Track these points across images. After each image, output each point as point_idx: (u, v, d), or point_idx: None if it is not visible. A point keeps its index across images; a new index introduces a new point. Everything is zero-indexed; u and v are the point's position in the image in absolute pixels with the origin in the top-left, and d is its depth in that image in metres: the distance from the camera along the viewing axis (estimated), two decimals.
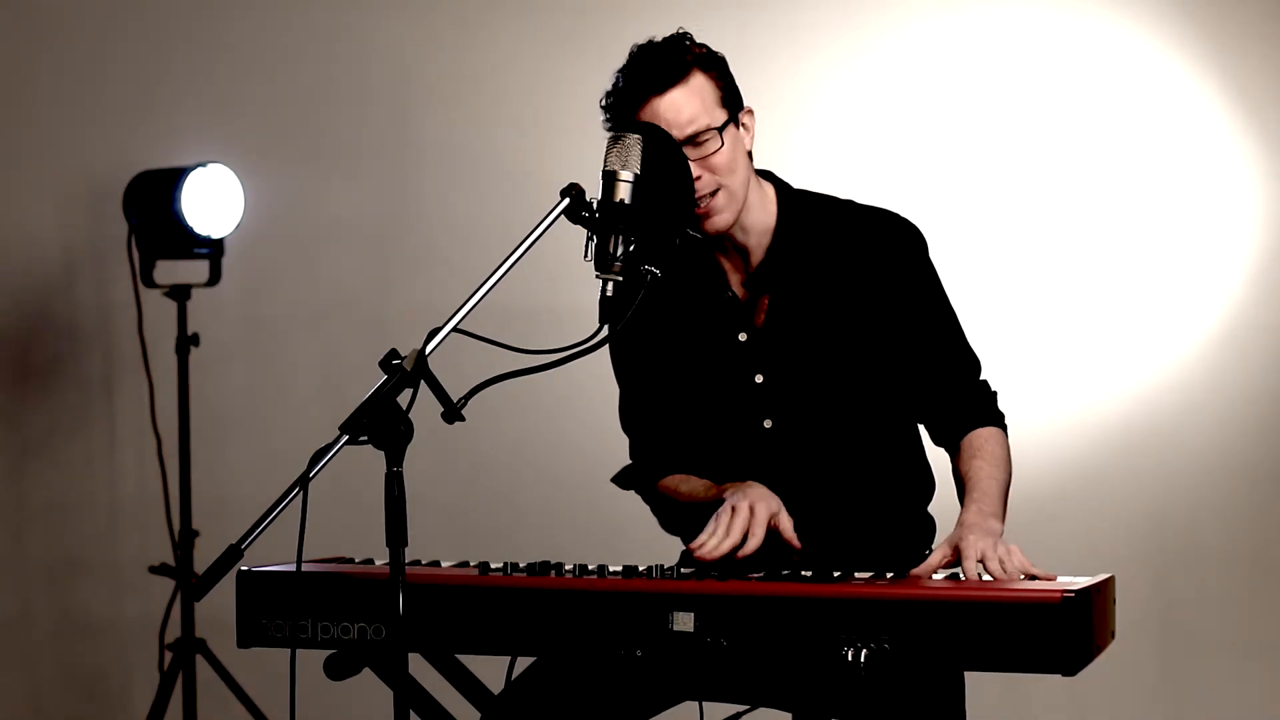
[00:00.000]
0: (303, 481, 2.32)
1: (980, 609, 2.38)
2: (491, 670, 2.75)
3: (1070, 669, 2.35)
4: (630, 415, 3.07)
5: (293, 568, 2.48)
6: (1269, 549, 4.67)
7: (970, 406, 2.91)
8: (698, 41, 2.87)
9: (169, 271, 4.66)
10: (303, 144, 4.96)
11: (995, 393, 2.95)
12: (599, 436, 4.61)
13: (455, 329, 2.44)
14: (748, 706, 2.75)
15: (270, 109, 4.97)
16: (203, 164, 4.57)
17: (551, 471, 4.88)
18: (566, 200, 2.52)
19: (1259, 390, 4.66)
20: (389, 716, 2.33)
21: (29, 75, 5.00)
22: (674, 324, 2.96)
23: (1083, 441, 4.68)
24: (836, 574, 2.60)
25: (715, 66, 2.85)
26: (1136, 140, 4.69)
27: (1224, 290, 4.67)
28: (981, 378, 2.96)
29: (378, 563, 2.76)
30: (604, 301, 2.53)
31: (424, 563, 2.75)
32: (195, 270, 4.67)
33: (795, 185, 2.97)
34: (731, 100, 2.85)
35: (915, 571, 2.66)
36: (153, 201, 4.57)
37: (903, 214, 2.95)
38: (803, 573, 2.63)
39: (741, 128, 2.86)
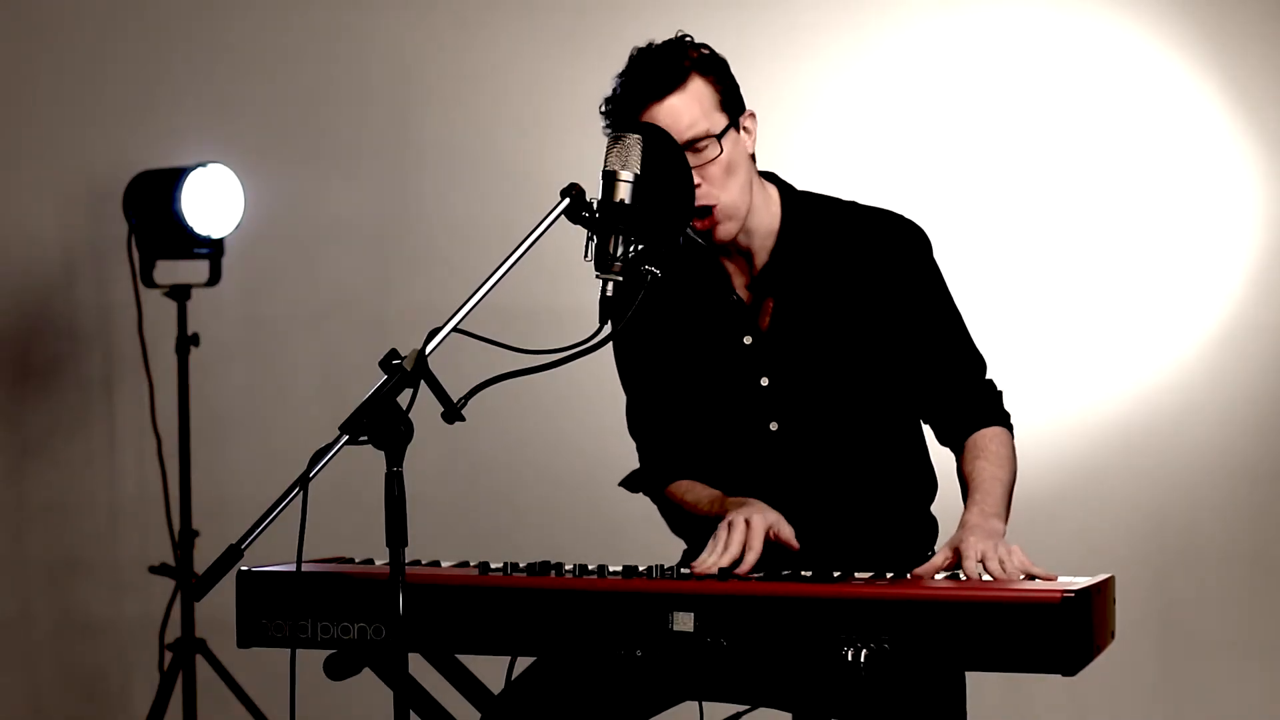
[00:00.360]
0: (303, 481, 2.32)
1: (980, 609, 2.38)
2: (491, 670, 2.75)
3: (1070, 669, 2.35)
4: (637, 421, 3.07)
5: (293, 568, 2.48)
6: (1269, 549, 4.67)
7: (975, 406, 2.91)
8: (699, 43, 2.87)
9: (169, 271, 4.66)
10: (303, 144, 4.96)
11: (1000, 392, 2.95)
12: (599, 436, 4.62)
13: (455, 329, 2.44)
14: (748, 706, 2.75)
15: (270, 109, 4.97)
16: (203, 164, 4.57)
17: (551, 471, 4.88)
18: (566, 200, 2.52)
19: (1259, 390, 4.66)
20: (389, 716, 2.33)
21: (29, 75, 5.00)
22: (679, 328, 2.96)
23: (1083, 441, 4.68)
24: (836, 574, 2.60)
25: (715, 70, 2.84)
26: (1136, 140, 4.69)
27: (1224, 290, 4.67)
28: (987, 377, 2.96)
29: (378, 563, 2.76)
30: (604, 301, 2.53)
31: (424, 563, 2.75)
32: (195, 270, 4.67)
33: (798, 187, 2.97)
34: (732, 104, 2.84)
35: (916, 572, 2.65)
36: (153, 201, 4.57)
37: (906, 215, 2.95)
38: (803, 573, 2.63)
39: (743, 131, 2.86)
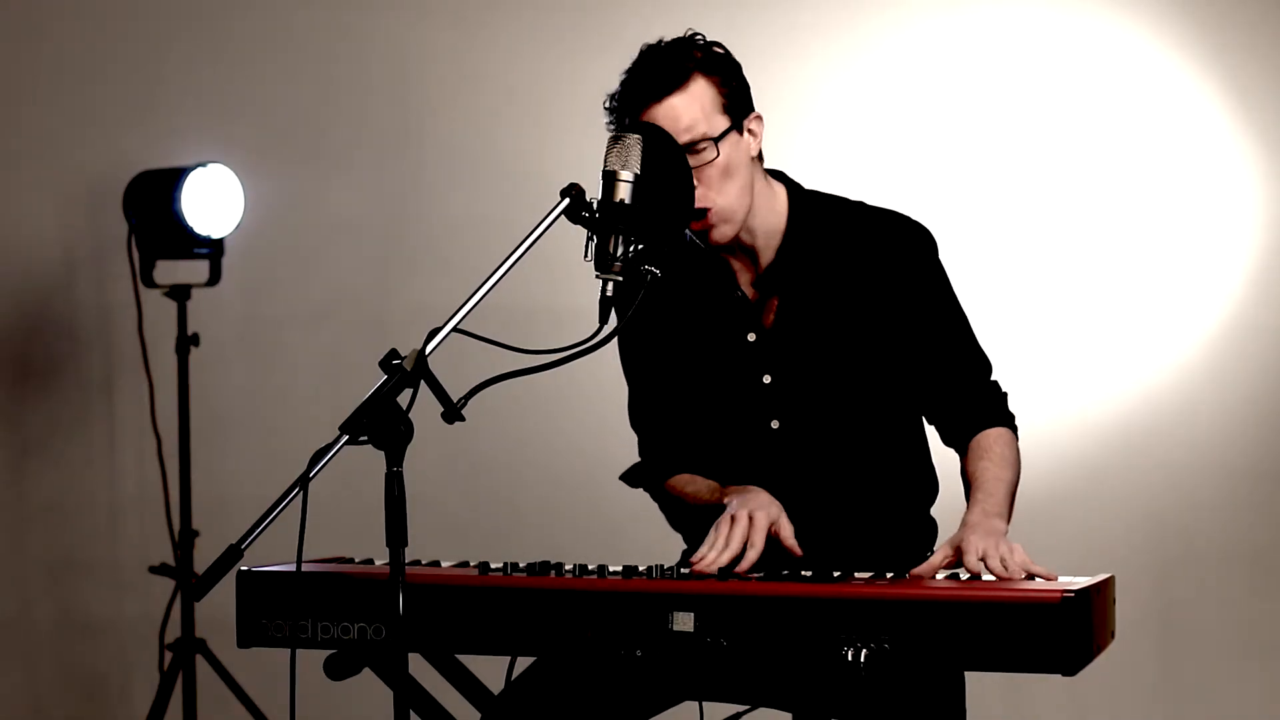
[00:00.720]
0: (303, 481, 2.32)
1: (980, 609, 2.38)
2: (491, 670, 2.75)
3: (1070, 669, 2.35)
4: (639, 414, 3.07)
5: (293, 568, 2.48)
6: (1269, 549, 4.67)
7: (980, 407, 2.91)
8: (711, 41, 2.85)
9: (169, 271, 4.65)
10: (303, 144, 4.96)
11: (1006, 394, 2.95)
12: (599, 436, 4.62)
13: (455, 329, 2.44)
14: (748, 706, 2.75)
15: (270, 109, 4.97)
16: (203, 164, 4.57)
17: (551, 471, 4.88)
18: (566, 200, 2.52)
19: (1259, 390, 4.67)
20: (389, 716, 2.33)
21: (29, 75, 5.00)
22: (683, 323, 2.96)
23: (1083, 441, 4.68)
24: (836, 574, 2.60)
25: (721, 71, 2.82)
26: (1137, 140, 4.69)
27: (1224, 290, 4.67)
28: (992, 379, 2.96)
29: (378, 563, 2.76)
30: (604, 301, 2.53)
31: (424, 563, 2.75)
32: (195, 270, 4.67)
33: (806, 186, 2.97)
34: (736, 106, 2.83)
35: (916, 571, 2.65)
36: (153, 201, 4.57)
37: (912, 216, 2.95)
38: (803, 573, 2.63)
39: (747, 134, 2.85)
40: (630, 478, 3.08)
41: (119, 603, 4.98)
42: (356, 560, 2.81)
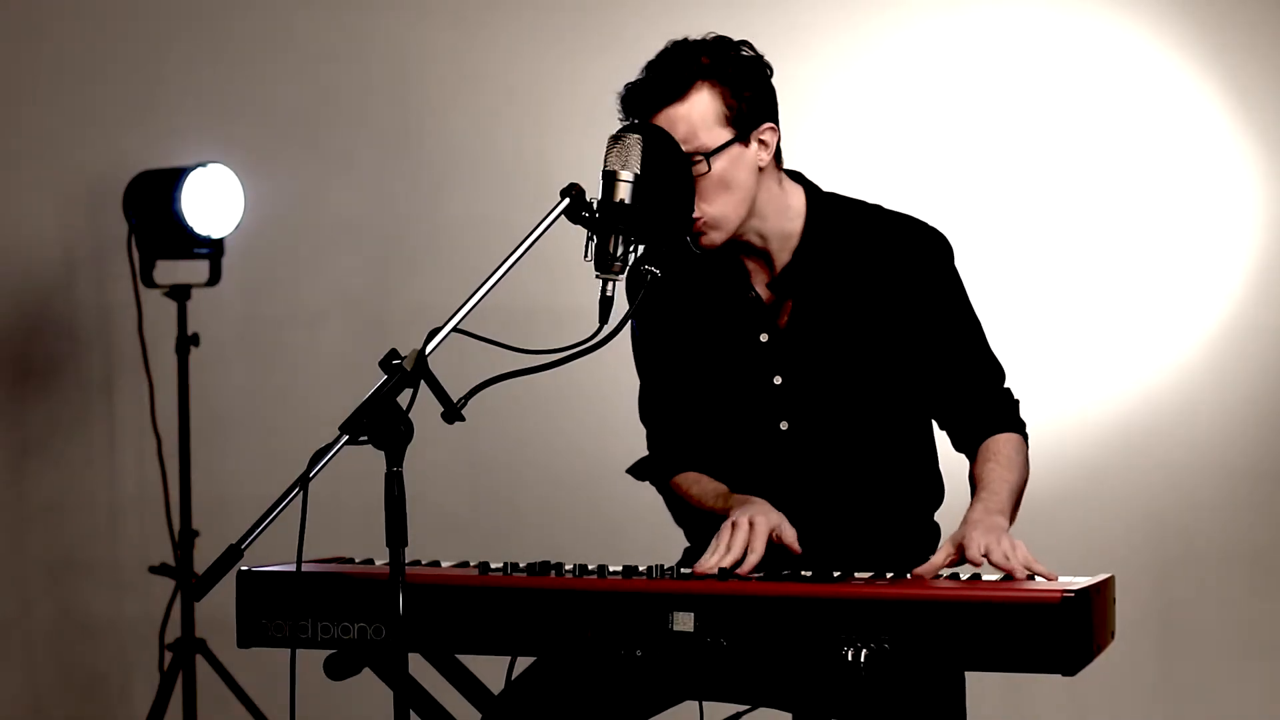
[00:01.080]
0: (303, 481, 2.32)
1: (980, 609, 2.38)
2: (491, 670, 2.75)
3: (1070, 669, 2.35)
4: (648, 408, 3.07)
5: (293, 568, 2.48)
6: (1269, 549, 4.67)
7: (991, 414, 2.91)
8: (737, 42, 2.83)
9: (169, 271, 4.65)
10: (303, 144, 4.96)
11: (1017, 401, 2.96)
12: (599, 436, 4.63)
13: (455, 329, 2.44)
14: (748, 706, 2.75)
15: (270, 109, 4.97)
16: (203, 164, 4.57)
17: (551, 471, 4.88)
18: (566, 200, 2.52)
19: (1259, 390, 4.67)
20: (389, 716, 2.33)
21: (29, 75, 5.00)
22: (697, 321, 2.96)
23: (1083, 441, 4.68)
24: (836, 574, 2.60)
25: (731, 80, 2.78)
26: (1137, 140, 4.69)
27: (1224, 290, 4.67)
28: (1005, 386, 2.96)
29: (378, 563, 2.76)
30: (604, 301, 2.53)
31: (424, 563, 2.75)
32: (195, 270, 4.67)
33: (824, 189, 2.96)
34: (745, 116, 2.79)
35: (918, 571, 2.65)
36: (153, 201, 4.57)
37: (929, 221, 2.95)
38: (803, 573, 2.63)
39: (756, 144, 2.82)
40: (637, 471, 3.09)
41: (119, 603, 4.98)
42: (356, 560, 2.81)
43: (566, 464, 4.84)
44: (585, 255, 2.56)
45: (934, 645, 2.37)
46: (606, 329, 2.49)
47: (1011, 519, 2.77)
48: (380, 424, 2.31)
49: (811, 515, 2.84)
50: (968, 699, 2.77)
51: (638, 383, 3.09)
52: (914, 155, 4.73)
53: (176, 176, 4.54)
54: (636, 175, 2.55)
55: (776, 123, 2.85)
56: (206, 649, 4.51)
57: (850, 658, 2.37)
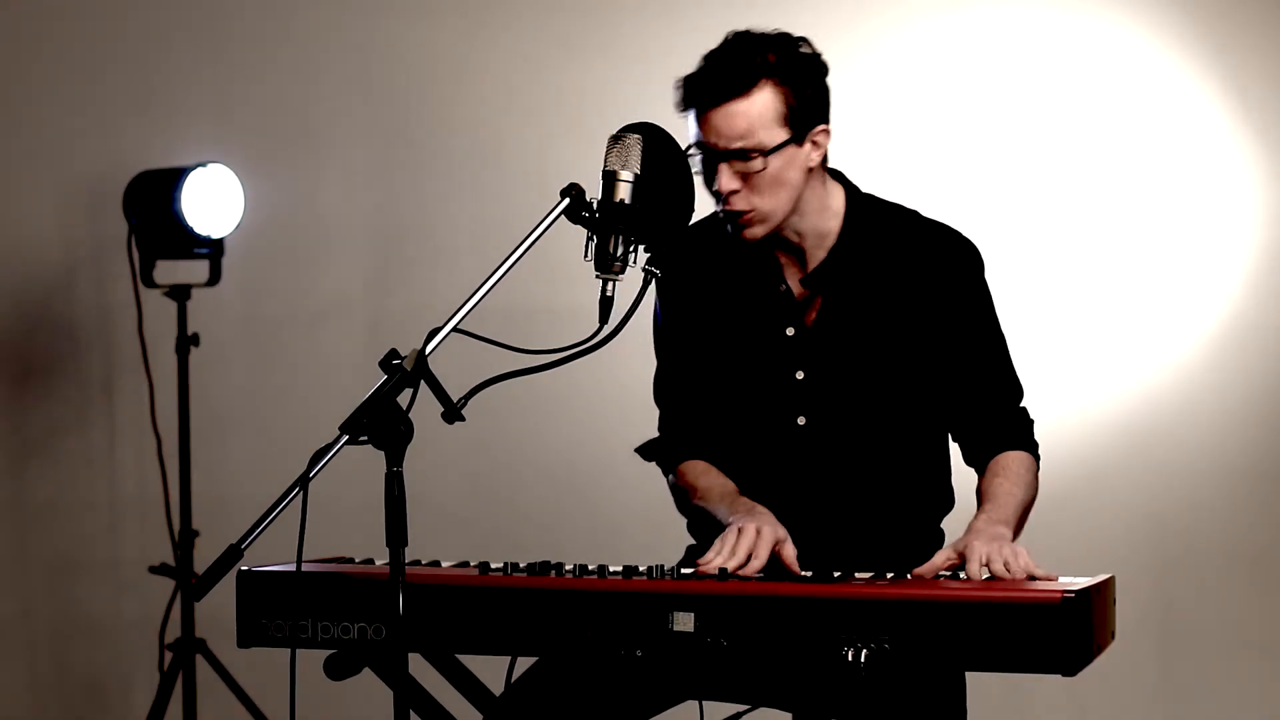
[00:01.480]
0: (303, 481, 2.32)
1: (980, 609, 2.38)
2: (491, 670, 2.75)
3: (1070, 669, 2.36)
4: (664, 390, 3.07)
5: (293, 568, 2.48)
6: (1269, 549, 4.67)
7: (1005, 431, 2.93)
8: (797, 38, 2.85)
9: (169, 271, 4.65)
10: (303, 144, 4.96)
11: (1033, 421, 2.97)
12: (599, 437, 4.62)
13: (455, 329, 2.44)
14: (748, 706, 2.75)
15: (270, 109, 4.97)
16: (203, 164, 4.57)
17: (551, 471, 4.87)
18: (566, 200, 2.53)
19: (1259, 390, 4.66)
20: (389, 716, 2.33)
21: (29, 75, 5.00)
22: (724, 309, 2.97)
23: (1083, 441, 4.68)
24: (836, 574, 2.60)
25: (794, 80, 2.80)
26: (1136, 140, 4.69)
27: (1224, 290, 4.67)
28: (1021, 405, 2.97)
29: (378, 563, 2.76)
30: (604, 301, 2.53)
31: (424, 563, 2.75)
32: (195, 270, 4.67)
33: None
34: (803, 117, 2.80)
35: (917, 571, 2.65)
36: (153, 201, 4.57)
37: (964, 232, 2.97)
38: (803, 573, 2.64)
39: (809, 145, 2.83)
40: (646, 452, 3.09)
41: (119, 603, 4.98)
42: (356, 560, 2.81)
43: (566, 464, 4.84)
44: (585, 255, 2.56)
45: (934, 645, 2.37)
46: (606, 329, 2.50)
47: (1015, 534, 2.77)
48: (380, 424, 2.31)
49: (820, 511, 2.85)
50: (968, 699, 2.77)
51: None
52: (912, 155, 4.73)
53: (176, 176, 4.54)
54: (636, 175, 2.55)
55: (829, 123, 2.86)
56: (206, 649, 4.51)
57: (850, 658, 2.37)
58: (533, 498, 4.89)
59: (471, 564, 2.71)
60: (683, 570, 2.61)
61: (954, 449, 3.01)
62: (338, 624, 2.58)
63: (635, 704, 2.74)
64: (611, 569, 2.59)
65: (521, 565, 2.62)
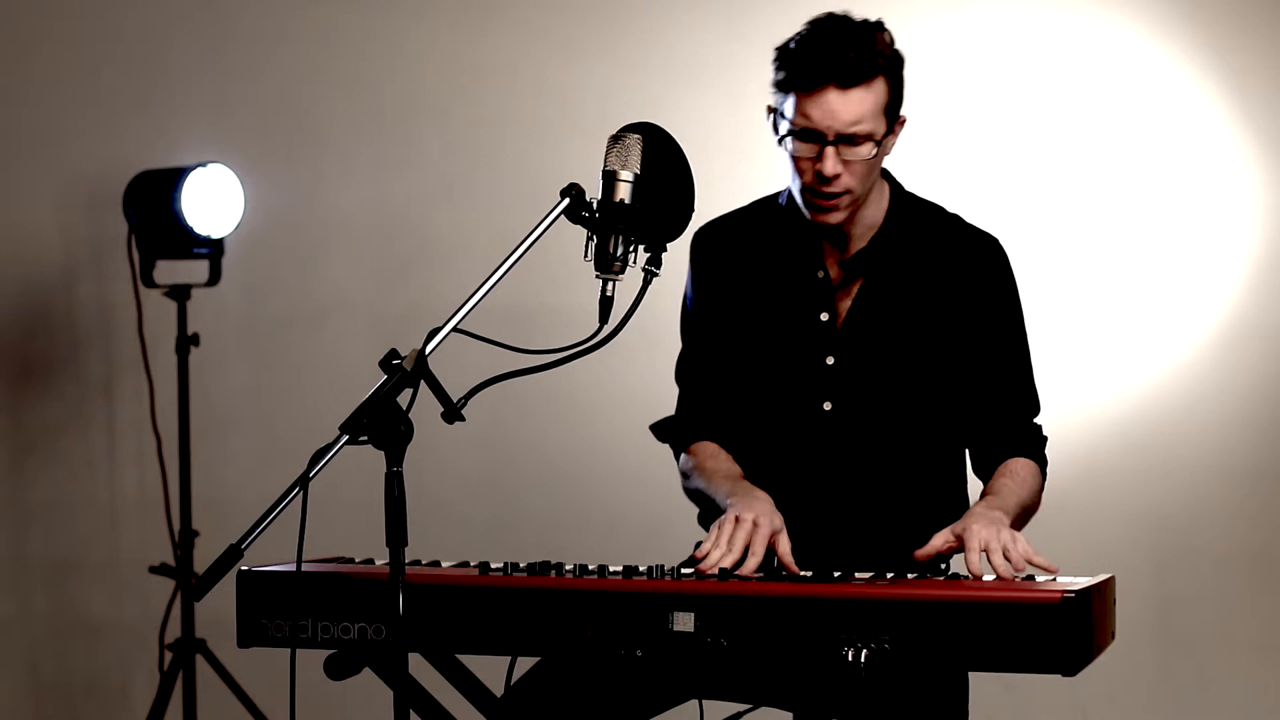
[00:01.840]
0: (303, 481, 2.32)
1: (980, 609, 2.38)
2: (492, 670, 2.75)
3: (1070, 669, 2.36)
4: (687, 370, 3.09)
5: (293, 568, 2.48)
6: (1269, 549, 4.67)
7: (1015, 442, 2.95)
8: (890, 36, 2.89)
9: (169, 271, 4.65)
10: (303, 144, 4.96)
11: (1045, 438, 2.99)
12: (599, 437, 4.62)
13: (455, 329, 2.44)
14: (748, 706, 2.75)
15: (270, 109, 4.97)
16: (203, 164, 4.57)
17: (552, 471, 4.87)
18: (566, 200, 2.52)
19: (1259, 390, 4.66)
20: (389, 716, 2.33)
21: (28, 74, 4.99)
22: (759, 291, 2.99)
23: (1083, 441, 4.68)
24: (836, 574, 2.60)
25: (896, 75, 2.88)
26: (1136, 140, 4.69)
27: (1224, 290, 4.67)
28: (1036, 420, 2.98)
29: (378, 563, 2.76)
30: (604, 301, 2.53)
31: (424, 563, 2.75)
32: (195, 270, 4.67)
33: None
34: (895, 109, 2.89)
35: (918, 553, 2.68)
36: (153, 201, 4.57)
37: (1002, 240, 3.00)
38: (803, 573, 2.64)
39: (892, 135, 2.90)
40: (659, 430, 3.10)
41: (119, 603, 4.98)
42: (356, 560, 2.81)
43: (566, 464, 4.84)
44: (585, 255, 2.56)
45: (934, 645, 2.38)
46: (606, 329, 2.50)
47: (1012, 520, 2.78)
48: (380, 424, 2.31)
49: (838, 497, 2.88)
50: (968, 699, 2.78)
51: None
52: (911, 155, 4.71)
53: (176, 176, 4.54)
54: (636, 175, 2.55)
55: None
56: (206, 649, 4.51)
57: (851, 658, 2.37)
58: (533, 497, 4.89)
59: (471, 564, 2.71)
60: (683, 570, 2.61)
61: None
62: (338, 624, 2.58)
63: (635, 704, 2.75)
64: (611, 569, 2.59)
65: (521, 565, 2.62)
